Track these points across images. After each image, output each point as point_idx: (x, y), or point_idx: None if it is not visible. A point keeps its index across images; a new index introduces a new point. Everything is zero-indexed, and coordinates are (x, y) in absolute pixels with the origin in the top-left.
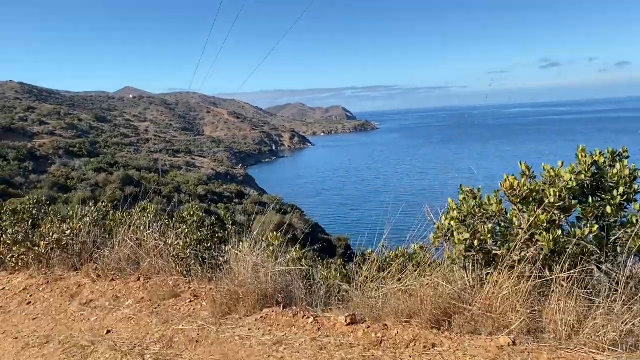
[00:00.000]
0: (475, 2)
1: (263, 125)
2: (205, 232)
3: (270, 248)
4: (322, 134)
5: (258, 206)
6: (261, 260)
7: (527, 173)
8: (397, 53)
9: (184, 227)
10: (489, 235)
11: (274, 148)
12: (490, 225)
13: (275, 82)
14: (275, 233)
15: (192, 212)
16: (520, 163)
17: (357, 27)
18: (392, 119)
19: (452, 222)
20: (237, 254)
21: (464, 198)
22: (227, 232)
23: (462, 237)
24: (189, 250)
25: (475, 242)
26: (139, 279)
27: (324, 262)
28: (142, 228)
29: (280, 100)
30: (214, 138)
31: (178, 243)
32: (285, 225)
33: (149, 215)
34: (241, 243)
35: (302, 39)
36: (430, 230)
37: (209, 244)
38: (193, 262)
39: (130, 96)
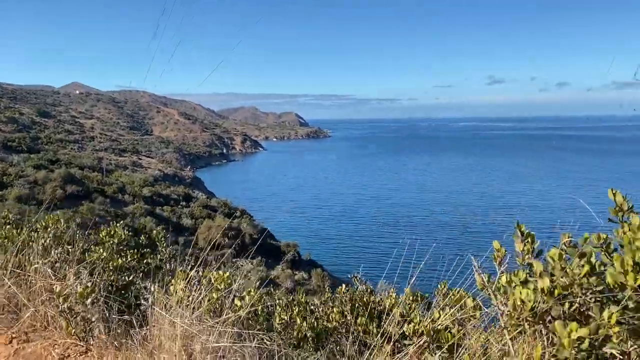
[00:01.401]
0: (423, 17)
1: (214, 128)
2: (128, 260)
3: (214, 295)
4: (275, 139)
5: (206, 210)
6: (198, 321)
7: None
8: (350, 63)
9: (98, 252)
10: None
11: (224, 151)
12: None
13: (228, 84)
14: (221, 272)
15: (112, 232)
16: None
17: (310, 36)
18: (344, 127)
19: (544, 297)
20: (162, 309)
21: (560, 254)
22: (159, 259)
23: (574, 332)
24: (89, 301)
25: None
26: (10, 341)
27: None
28: (31, 257)
29: (233, 103)
30: (163, 138)
31: (73, 290)
32: (235, 230)
33: (48, 234)
34: (171, 285)
35: (258, 44)
36: (474, 292)
37: (126, 282)
38: (97, 317)
39: (77, 92)
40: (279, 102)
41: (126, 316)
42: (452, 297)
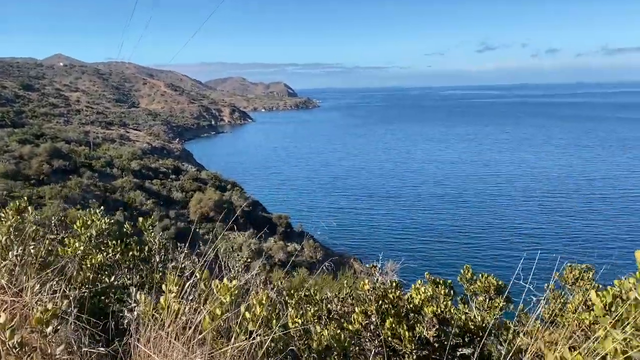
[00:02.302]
0: None
1: (202, 99)
2: (109, 255)
3: (217, 312)
4: (263, 110)
5: (196, 183)
6: (198, 347)
7: None
8: (338, 31)
9: (73, 247)
10: None
11: (213, 123)
12: None
13: (216, 54)
14: (226, 283)
15: (88, 222)
16: None
17: (300, 3)
18: (333, 97)
19: None
20: (150, 338)
21: None
22: (147, 250)
23: None
24: (51, 329)
25: None
26: None
27: None
28: None
29: (221, 73)
30: (150, 111)
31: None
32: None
33: (8, 228)
34: (161, 298)
35: (245, 11)
36: None
37: (106, 286)
38: (61, 349)
39: (61, 64)
40: (267, 71)
41: (101, 349)
42: (481, 284)
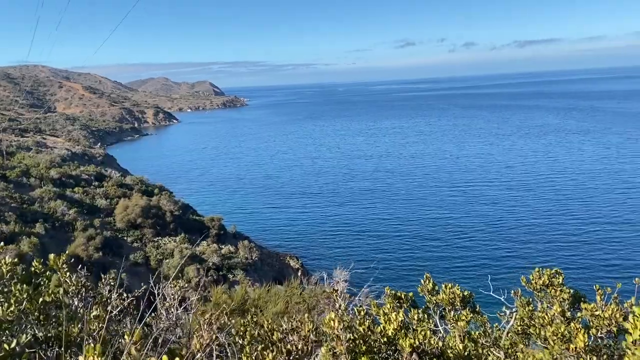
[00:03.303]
0: None
1: (124, 101)
2: (7, 310)
3: None
4: (189, 110)
5: (121, 189)
6: None
7: None
8: (261, 29)
9: None
10: None
11: (136, 125)
12: None
13: (137, 54)
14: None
15: None
16: None
17: (221, 0)
18: (261, 95)
19: None
20: None
21: None
22: (62, 292)
23: None
24: None
25: None
26: None
27: None
28: None
29: (143, 74)
30: (68, 115)
31: None
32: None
33: None
34: None
35: (166, 11)
36: None
37: None
38: None
39: None
40: (191, 70)
41: None
42: (446, 296)
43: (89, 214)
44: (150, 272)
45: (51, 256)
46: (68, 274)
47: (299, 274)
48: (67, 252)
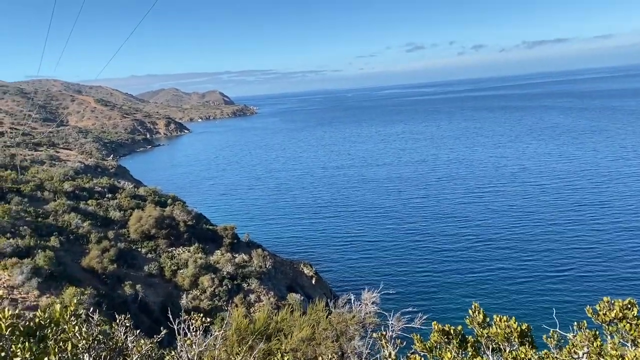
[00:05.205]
0: None
1: (135, 113)
2: None
3: None
4: (200, 120)
5: (134, 200)
6: None
7: None
8: (269, 38)
9: None
10: None
11: (148, 136)
12: None
13: (146, 66)
14: None
15: None
16: None
17: (229, 10)
18: (270, 103)
19: None
20: None
21: None
22: (73, 349)
23: None
24: None
25: None
26: None
27: None
28: None
29: (153, 85)
30: (80, 128)
31: None
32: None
33: None
34: None
35: (175, 22)
36: None
37: None
38: None
39: None
40: (201, 80)
41: None
42: (501, 330)
43: (102, 226)
44: (165, 282)
45: (57, 307)
46: (77, 327)
47: (313, 281)
48: (71, 302)
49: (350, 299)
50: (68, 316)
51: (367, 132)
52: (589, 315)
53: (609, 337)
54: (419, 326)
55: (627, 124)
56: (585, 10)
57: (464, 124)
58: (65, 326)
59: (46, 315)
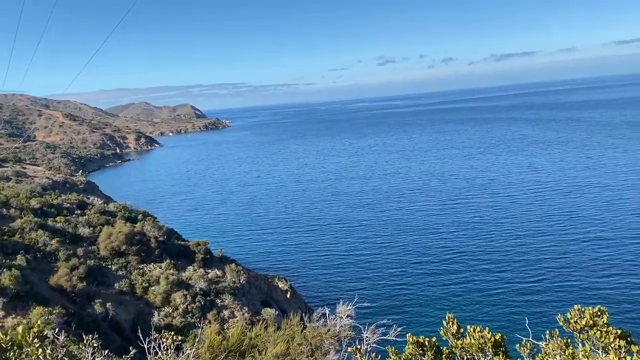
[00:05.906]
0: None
1: (105, 127)
2: None
3: None
4: (171, 134)
5: (104, 216)
6: None
7: None
8: (243, 50)
9: None
10: None
11: (118, 151)
12: None
13: (116, 80)
14: None
15: None
16: None
17: (200, 24)
18: (243, 116)
19: None
20: None
21: None
22: None
23: None
24: None
25: None
26: None
27: None
28: None
29: (123, 99)
30: (48, 143)
31: None
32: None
33: None
34: None
35: (144, 36)
36: None
37: None
38: None
39: None
40: (172, 94)
41: None
42: (475, 341)
43: (71, 243)
44: (136, 300)
45: (19, 329)
46: (40, 350)
47: (288, 296)
48: (36, 323)
49: (325, 313)
50: (31, 338)
51: (340, 145)
52: (561, 323)
53: (580, 344)
54: (393, 338)
55: (591, 134)
56: (549, 24)
57: (435, 136)
58: (28, 349)
59: (8, 338)
